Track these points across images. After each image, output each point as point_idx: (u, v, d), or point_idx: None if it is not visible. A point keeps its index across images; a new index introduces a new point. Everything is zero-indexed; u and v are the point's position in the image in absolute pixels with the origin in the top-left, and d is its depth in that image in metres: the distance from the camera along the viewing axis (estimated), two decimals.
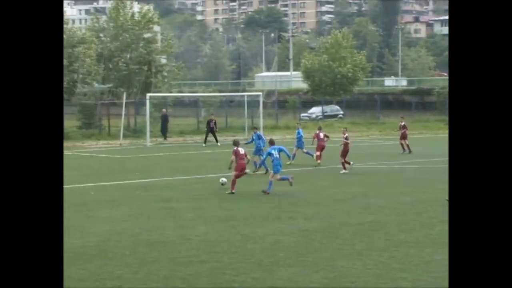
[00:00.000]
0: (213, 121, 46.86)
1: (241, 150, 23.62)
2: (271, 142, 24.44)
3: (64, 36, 52.82)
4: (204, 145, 44.94)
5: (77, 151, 41.83)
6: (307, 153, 33.38)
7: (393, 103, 76.64)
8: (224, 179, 24.49)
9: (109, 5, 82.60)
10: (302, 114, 69.41)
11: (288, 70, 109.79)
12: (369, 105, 71.77)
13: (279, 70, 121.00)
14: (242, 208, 20.23)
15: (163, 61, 60.40)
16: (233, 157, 23.52)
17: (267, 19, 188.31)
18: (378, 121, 66.70)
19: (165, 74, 58.42)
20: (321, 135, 32.82)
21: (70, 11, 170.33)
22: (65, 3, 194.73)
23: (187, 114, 62.96)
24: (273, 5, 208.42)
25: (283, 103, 72.70)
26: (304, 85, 79.12)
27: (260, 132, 35.50)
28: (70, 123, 52.26)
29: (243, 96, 58.21)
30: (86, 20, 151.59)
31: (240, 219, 18.18)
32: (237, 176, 23.21)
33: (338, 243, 15.23)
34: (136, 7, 61.82)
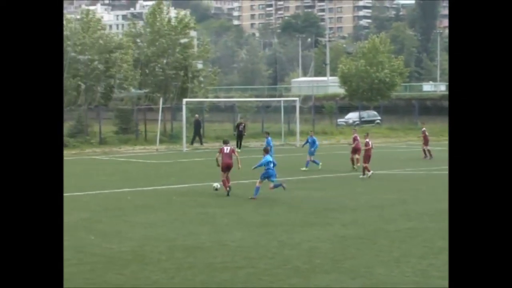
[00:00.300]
0: (242, 125, 46.79)
1: (226, 149, 24.50)
2: (266, 151, 24.55)
3: (101, 42, 53.36)
4: (239, 150, 44.93)
5: (114, 156, 42.14)
6: (313, 161, 33.33)
7: (431, 108, 76.05)
8: (217, 184, 24.95)
9: (146, 10, 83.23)
10: (339, 120, 69.16)
11: (324, 75, 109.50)
12: (407, 110, 71.29)
13: (315, 75, 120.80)
14: (279, 213, 20.20)
15: (200, 66, 60.61)
16: (217, 155, 24.78)
17: (304, 24, 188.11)
18: (416, 127, 66.13)
19: (202, 79, 58.61)
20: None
21: (107, 17, 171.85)
22: (102, 9, 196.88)
23: (223, 119, 63.08)
24: (310, 10, 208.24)
25: (320, 109, 72.46)
26: (341, 90, 78.78)
27: (297, 137, 35.43)
28: (107, 128, 52.71)
29: (279, 101, 58.16)
30: (123, 25, 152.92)
31: (276, 225, 18.15)
32: (225, 177, 24.25)
33: (375, 250, 15.12)
34: (173, 12, 62.17)
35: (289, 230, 17.42)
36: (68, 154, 43.81)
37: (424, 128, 40.05)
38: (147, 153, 44.46)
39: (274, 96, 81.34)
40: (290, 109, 56.95)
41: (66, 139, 47.65)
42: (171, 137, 52.47)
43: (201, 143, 49.92)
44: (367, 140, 30.67)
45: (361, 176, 29.28)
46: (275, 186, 23.53)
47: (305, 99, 72.74)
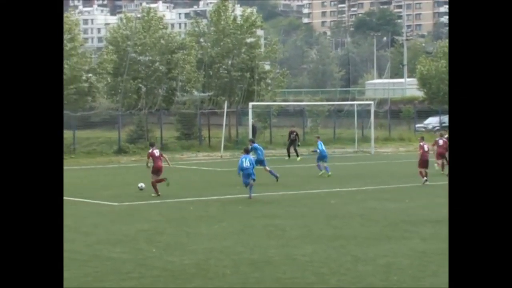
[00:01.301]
0: (294, 133, 46.63)
1: (156, 152, 27.04)
2: (247, 150, 27.56)
3: (163, 42, 53.99)
4: (298, 159, 44.81)
5: (176, 163, 42.50)
6: (318, 166, 34.77)
7: None
8: (142, 184, 27.12)
9: (210, 8, 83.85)
10: (418, 125, 68.45)
11: (402, 76, 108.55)
12: None
13: (392, 77, 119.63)
14: (352, 226, 20.11)
15: (267, 67, 60.78)
16: (148, 159, 27.16)
17: (379, 22, 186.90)
18: None
19: (269, 81, 58.75)
20: (441, 142, 33.50)
21: (169, 15, 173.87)
22: (163, 7, 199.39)
23: (292, 124, 63.10)
24: (385, 7, 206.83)
25: (397, 113, 71.84)
26: (419, 93, 77.97)
27: (372, 144, 35.19)
28: (168, 133, 53.26)
29: (352, 105, 57.93)
30: (185, 24, 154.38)
31: (349, 238, 18.07)
32: (156, 180, 26.66)
33: None
34: (239, 10, 62.52)
35: (363, 244, 17.31)
36: (128, 161, 44.43)
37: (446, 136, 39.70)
38: (211, 160, 44.75)
39: (347, 100, 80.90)
40: (364, 113, 56.66)
41: (125, 145, 48.39)
42: (236, 143, 52.70)
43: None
44: (422, 143, 31.39)
45: (423, 183, 30.28)
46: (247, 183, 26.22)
47: (381, 102, 72.24)
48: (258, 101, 54.19)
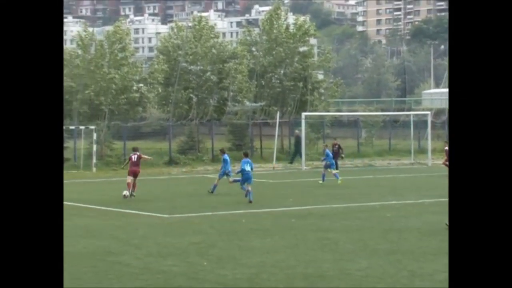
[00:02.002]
0: (337, 146, 46.27)
1: (134, 157, 30.09)
2: (246, 155, 30.85)
3: (214, 51, 54.26)
4: (337, 171, 44.56)
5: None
6: (323, 175, 36.50)
7: None
8: (126, 192, 29.64)
9: (262, 16, 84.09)
10: None
11: None
12: None
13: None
14: (408, 240, 19.93)
15: (320, 77, 60.73)
16: (126, 163, 30.52)
17: (437, 30, 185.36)
18: None
19: (322, 91, 58.68)
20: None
21: (220, 24, 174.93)
22: (215, 15, 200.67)
23: (346, 135, 62.90)
24: (443, 14, 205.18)
25: None
26: None
27: (429, 155, 34.92)
28: (219, 144, 53.36)
29: (408, 115, 57.55)
30: (237, 33, 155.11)
31: (406, 253, 17.90)
32: (129, 184, 29.66)
33: None
34: (291, 18, 62.58)
35: (420, 259, 17.14)
36: (179, 172, 44.68)
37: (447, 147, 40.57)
38: (263, 172, 44.77)
39: (403, 110, 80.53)
40: (420, 124, 56.20)
41: (176, 155, 48.70)
42: (289, 154, 52.66)
43: (291, 162, 49.07)
44: (447, 148, 31.00)
45: None
46: (235, 181, 29.61)
47: (438, 113, 71.60)
48: (311, 111, 54.15)
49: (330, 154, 37.40)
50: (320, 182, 36.40)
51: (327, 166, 36.93)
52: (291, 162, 49.28)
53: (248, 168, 29.06)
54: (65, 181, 41.86)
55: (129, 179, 29.97)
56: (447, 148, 41.48)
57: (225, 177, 31.76)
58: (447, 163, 41.09)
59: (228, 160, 32.33)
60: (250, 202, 28.24)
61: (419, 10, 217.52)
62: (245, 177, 29.18)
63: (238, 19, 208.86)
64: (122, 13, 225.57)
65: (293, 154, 50.63)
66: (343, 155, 46.30)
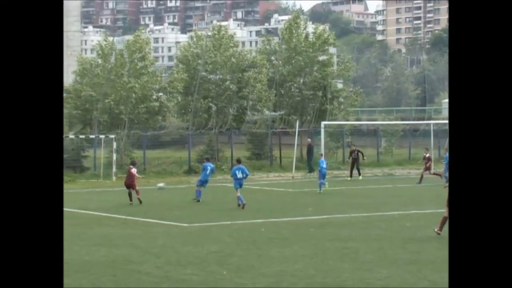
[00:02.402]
0: (356, 152, 46.19)
1: (134, 171, 31.62)
2: (239, 161, 32.35)
3: (234, 60, 54.36)
4: (360, 178, 44.62)
5: (246, 184, 42.64)
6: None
7: None
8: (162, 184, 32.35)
9: (281, 25, 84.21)
10: None
11: None
12: None
13: None
14: (429, 250, 19.87)
15: (340, 86, 60.70)
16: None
17: None
18: None
19: (342, 100, 58.64)
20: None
21: (240, 33, 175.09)
22: (234, 24, 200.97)
23: (366, 144, 62.73)
24: None
25: None
26: None
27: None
28: (239, 153, 53.46)
29: (428, 124, 57.38)
30: (256, 42, 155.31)
31: (426, 263, 17.86)
32: (131, 192, 31.19)
33: None
34: (311, 27, 62.65)
35: (441, 269, 17.07)
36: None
37: (428, 155, 43.76)
38: (282, 181, 44.77)
39: (423, 119, 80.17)
40: (440, 133, 56.05)
41: (195, 165, 48.77)
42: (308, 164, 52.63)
43: (309, 171, 49.08)
44: (428, 155, 33.68)
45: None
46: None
47: None
48: (330, 120, 54.11)
49: (324, 165, 37.64)
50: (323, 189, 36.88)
51: (322, 176, 37.37)
52: (310, 171, 49.18)
53: (240, 175, 30.13)
54: (85, 190, 42.08)
55: (129, 190, 31.59)
56: (427, 155, 43.37)
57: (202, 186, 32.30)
58: (434, 171, 42.84)
59: (209, 168, 32.54)
60: (239, 205, 29.43)
61: (439, 19, 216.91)
62: (236, 183, 30.14)
63: (258, 28, 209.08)
64: (142, 23, 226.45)
65: (308, 164, 50.58)
66: (365, 158, 46.43)
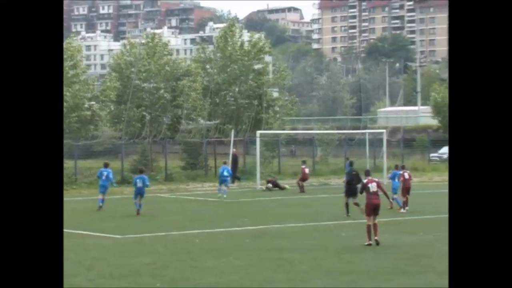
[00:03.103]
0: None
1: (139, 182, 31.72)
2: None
3: (168, 68, 54.20)
4: (232, 184, 45.19)
5: (181, 194, 42.57)
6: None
7: None
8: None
9: (216, 33, 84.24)
10: (432, 155, 68.45)
11: (415, 104, 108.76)
12: None
13: (405, 105, 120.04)
14: (364, 260, 20.07)
15: (275, 94, 60.99)
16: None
17: (392, 48, 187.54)
18: None
19: (277, 109, 58.91)
20: (406, 175, 33.26)
21: (174, 41, 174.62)
22: (168, 32, 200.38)
23: (302, 154, 63.13)
24: (398, 32, 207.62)
25: (410, 142, 71.91)
26: (434, 122, 78.08)
27: (384, 174, 35.19)
28: (173, 163, 53.29)
29: (364, 133, 57.97)
30: (191, 50, 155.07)
31: (361, 273, 18.03)
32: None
33: None
34: (246, 35, 62.82)
35: (376, 279, 17.28)
36: (131, 192, 44.31)
37: (304, 166, 44.74)
38: (217, 191, 44.71)
39: (358, 128, 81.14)
40: (376, 142, 56.65)
41: (128, 175, 48.37)
42: (243, 173, 52.69)
43: (233, 182, 48.69)
44: (401, 172, 33.20)
45: (401, 211, 31.68)
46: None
47: (393, 131, 72.39)
48: (266, 129, 54.29)
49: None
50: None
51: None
52: (233, 182, 48.53)
53: (140, 184, 31.43)
54: None
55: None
56: (303, 167, 44.37)
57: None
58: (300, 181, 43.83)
59: (143, 178, 32.36)
60: (137, 213, 30.99)
61: (374, 28, 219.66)
62: (136, 192, 31.43)
63: (192, 36, 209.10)
64: (74, 30, 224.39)
65: (232, 174, 50.18)
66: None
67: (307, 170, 43.93)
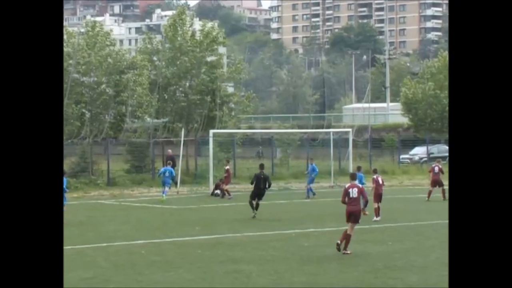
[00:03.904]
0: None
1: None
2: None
3: (110, 60, 53.89)
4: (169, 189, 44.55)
5: (125, 200, 42.39)
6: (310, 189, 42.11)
7: None
8: None
9: (164, 22, 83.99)
10: (402, 156, 68.97)
11: (384, 101, 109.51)
12: None
13: (372, 101, 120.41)
14: (328, 272, 20.14)
15: (230, 90, 61.00)
16: None
17: (358, 38, 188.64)
18: None
19: (233, 105, 58.95)
20: (380, 180, 33.26)
21: (117, 30, 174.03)
22: (111, 20, 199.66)
23: (259, 155, 63.26)
24: (365, 21, 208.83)
25: (378, 142, 72.43)
26: (404, 120, 78.73)
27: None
28: (116, 165, 53.02)
29: (328, 133, 58.24)
30: (136, 40, 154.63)
31: (325, 286, 18.09)
32: None
33: None
34: (198, 24, 62.74)
35: None
36: (69, 198, 44.11)
37: (228, 167, 45.42)
38: (166, 197, 44.59)
39: (322, 127, 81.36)
40: (341, 142, 56.96)
41: (66, 178, 48.07)
42: (195, 177, 52.64)
43: (175, 186, 48.18)
44: (375, 176, 33.02)
45: (374, 219, 31.38)
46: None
47: (360, 130, 72.77)
48: (220, 128, 54.27)
49: (311, 168, 43.64)
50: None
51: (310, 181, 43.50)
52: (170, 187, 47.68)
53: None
54: None
55: None
56: (227, 167, 44.99)
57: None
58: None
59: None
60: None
61: (339, 17, 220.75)
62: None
63: (138, 24, 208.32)
64: None
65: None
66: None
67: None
